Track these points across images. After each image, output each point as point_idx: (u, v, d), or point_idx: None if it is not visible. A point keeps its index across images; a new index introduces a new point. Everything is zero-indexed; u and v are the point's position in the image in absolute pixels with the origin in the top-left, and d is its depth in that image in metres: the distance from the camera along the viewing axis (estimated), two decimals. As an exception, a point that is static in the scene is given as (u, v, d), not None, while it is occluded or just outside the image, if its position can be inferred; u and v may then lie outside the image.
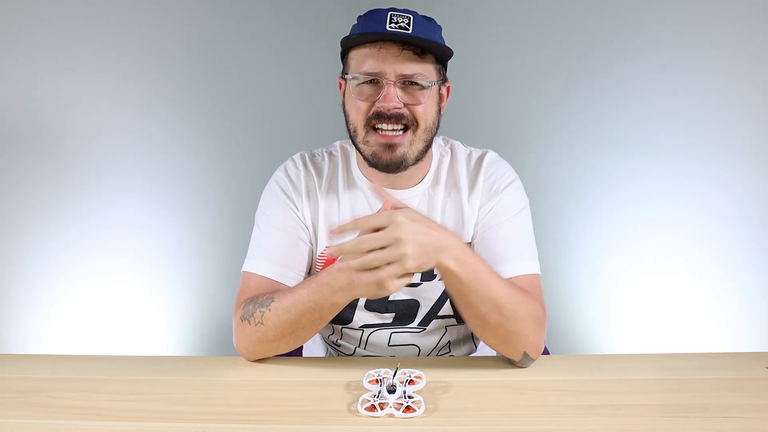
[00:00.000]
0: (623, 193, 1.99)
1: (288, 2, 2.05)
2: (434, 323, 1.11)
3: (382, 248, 0.80)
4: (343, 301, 0.91)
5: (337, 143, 1.17)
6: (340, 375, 0.94)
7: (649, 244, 1.98)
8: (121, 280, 2.05)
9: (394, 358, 1.12)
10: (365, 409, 0.81)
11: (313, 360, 1.11)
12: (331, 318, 0.95)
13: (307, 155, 1.14)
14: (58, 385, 0.93)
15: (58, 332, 2.03)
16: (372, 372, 0.90)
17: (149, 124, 2.03)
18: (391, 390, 0.84)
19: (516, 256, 1.04)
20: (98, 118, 2.00)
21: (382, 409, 0.81)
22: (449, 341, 1.15)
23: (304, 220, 1.09)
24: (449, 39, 1.07)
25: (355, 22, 1.06)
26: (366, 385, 0.87)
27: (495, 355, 1.31)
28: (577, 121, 2.00)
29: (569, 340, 2.01)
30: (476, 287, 0.88)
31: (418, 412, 0.81)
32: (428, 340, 1.13)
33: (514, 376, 0.94)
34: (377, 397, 0.83)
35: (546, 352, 1.21)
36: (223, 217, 2.06)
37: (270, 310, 0.95)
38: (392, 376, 0.88)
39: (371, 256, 0.80)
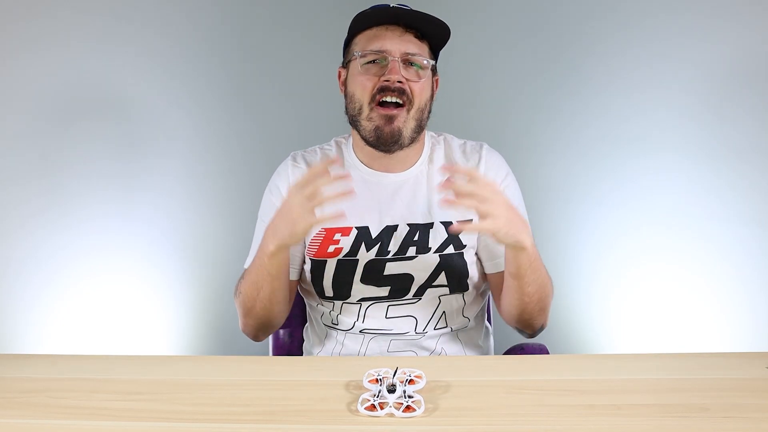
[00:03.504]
0: (623, 193, 1.99)
1: (290, 4, 2.05)
2: (429, 293, 1.15)
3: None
4: (272, 249, 1.02)
5: (332, 140, 1.24)
6: (340, 375, 0.94)
7: (650, 243, 1.98)
8: (121, 280, 2.04)
9: (393, 358, 1.13)
10: (365, 408, 0.81)
11: (313, 360, 1.12)
12: (277, 275, 1.08)
13: (299, 153, 1.22)
14: (58, 385, 0.93)
15: (58, 332, 2.03)
16: (372, 371, 0.90)
17: (151, 123, 2.02)
18: (391, 389, 0.84)
19: None
20: (98, 117, 2.00)
21: (382, 408, 0.81)
22: (444, 312, 1.18)
23: None
24: (452, 39, 1.10)
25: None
26: (366, 384, 0.87)
27: (494, 354, 1.32)
28: (578, 121, 2.00)
29: (569, 339, 2.01)
30: (538, 268, 1.05)
31: (418, 412, 0.81)
32: (424, 311, 1.16)
33: (514, 376, 0.94)
34: (377, 396, 0.83)
35: (546, 351, 1.21)
36: (223, 216, 2.07)
37: (243, 279, 1.13)
38: (392, 376, 0.88)
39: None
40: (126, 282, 2.05)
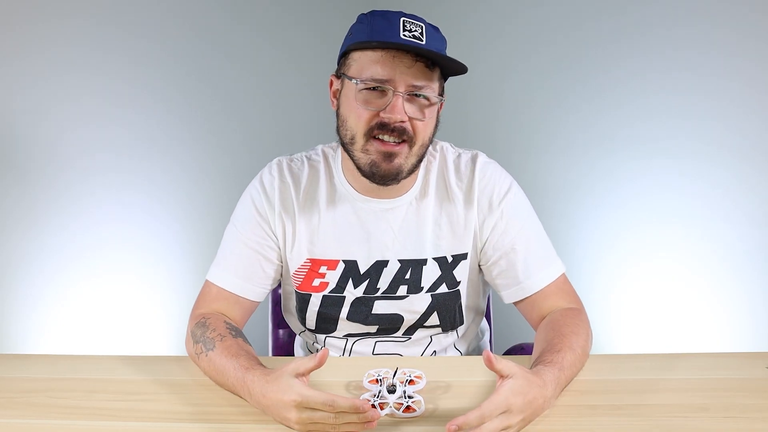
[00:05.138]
0: (623, 193, 1.99)
1: (288, 1, 2.05)
2: (419, 332, 1.09)
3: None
4: (253, 405, 0.84)
5: (319, 148, 1.12)
6: (340, 375, 0.94)
7: (649, 244, 1.98)
8: (121, 280, 2.04)
9: (394, 358, 1.11)
10: (365, 409, 0.81)
11: (313, 360, 1.11)
12: None
13: (285, 162, 1.09)
14: (58, 385, 0.93)
15: (58, 332, 2.03)
16: (372, 372, 0.90)
17: (149, 123, 2.02)
18: (391, 390, 0.84)
19: (539, 268, 1.05)
20: (97, 117, 2.00)
21: (382, 409, 0.80)
22: (434, 351, 1.12)
23: (275, 238, 1.07)
24: (448, 39, 1.06)
25: (355, 22, 1.00)
26: (366, 385, 0.87)
27: (493, 354, 1.31)
28: (577, 121, 2.00)
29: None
30: (571, 378, 0.89)
31: (418, 412, 0.81)
32: (413, 350, 1.11)
33: (514, 376, 0.94)
34: (377, 397, 0.83)
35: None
36: (222, 216, 2.03)
37: (207, 357, 0.92)
38: (392, 376, 0.88)
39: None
40: (126, 282, 2.05)
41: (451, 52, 1.00)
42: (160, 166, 2.04)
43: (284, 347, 1.42)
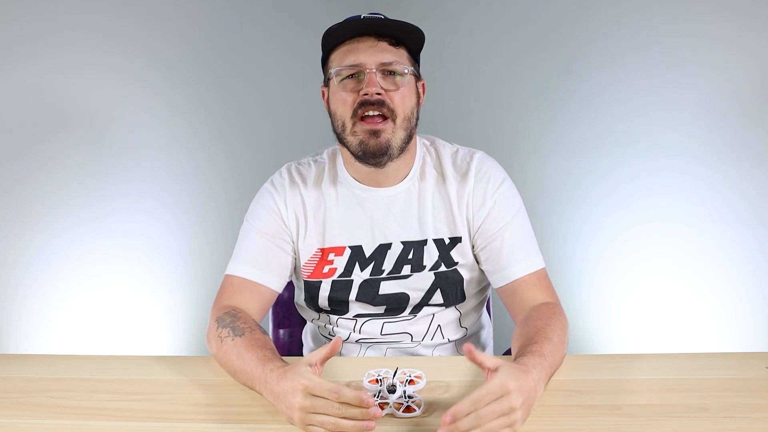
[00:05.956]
0: (623, 193, 1.99)
1: (290, 3, 2.05)
2: (425, 310, 1.15)
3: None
4: (266, 396, 0.87)
5: (324, 150, 1.21)
6: (340, 375, 0.94)
7: (650, 243, 1.98)
8: (121, 280, 2.05)
9: (394, 358, 1.13)
10: (365, 409, 0.81)
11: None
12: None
13: (293, 165, 1.19)
14: (58, 385, 0.93)
15: (58, 332, 2.03)
16: (372, 372, 0.90)
17: (150, 124, 2.03)
18: (392, 390, 0.84)
19: (523, 257, 1.10)
20: (98, 118, 2.00)
21: (382, 409, 0.81)
22: (439, 325, 1.17)
23: (289, 231, 1.14)
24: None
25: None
26: (366, 385, 0.87)
27: (493, 353, 1.32)
28: (578, 121, 2.00)
29: (569, 339, 2.01)
30: (555, 366, 0.92)
31: (418, 412, 0.81)
32: (419, 327, 1.16)
33: (514, 376, 0.94)
34: (377, 397, 0.83)
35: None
36: (223, 217, 2.07)
37: (233, 341, 0.96)
38: (392, 376, 0.88)
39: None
40: (126, 283, 2.05)
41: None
42: (162, 167, 2.05)
43: (284, 347, 1.43)
